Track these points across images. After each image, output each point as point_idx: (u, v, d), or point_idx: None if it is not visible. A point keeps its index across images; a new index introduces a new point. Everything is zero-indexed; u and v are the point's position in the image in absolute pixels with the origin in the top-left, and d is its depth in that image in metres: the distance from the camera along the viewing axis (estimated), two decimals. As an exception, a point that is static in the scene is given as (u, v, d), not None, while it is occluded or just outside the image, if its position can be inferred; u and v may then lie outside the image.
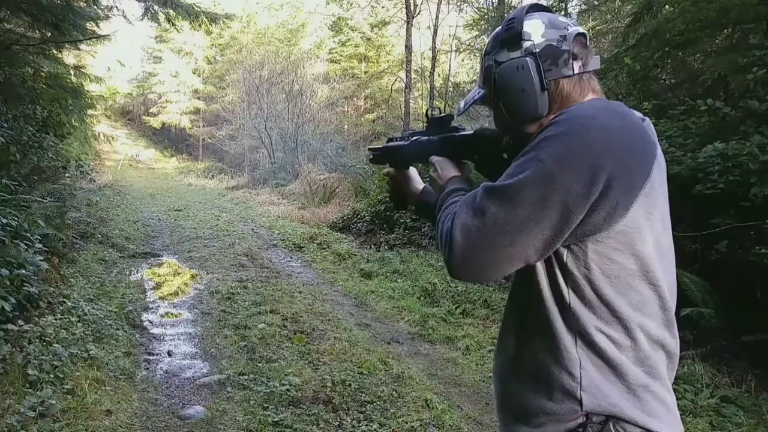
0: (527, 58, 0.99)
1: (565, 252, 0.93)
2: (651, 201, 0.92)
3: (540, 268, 0.96)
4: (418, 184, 1.39)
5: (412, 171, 1.43)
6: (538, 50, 1.00)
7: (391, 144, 1.47)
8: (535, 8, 1.07)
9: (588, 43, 1.04)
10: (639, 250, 0.91)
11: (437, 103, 12.69)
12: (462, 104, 1.16)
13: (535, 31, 1.01)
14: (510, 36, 1.02)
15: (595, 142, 0.87)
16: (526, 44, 1.01)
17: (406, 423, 3.07)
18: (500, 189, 0.91)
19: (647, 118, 1.02)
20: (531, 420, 0.98)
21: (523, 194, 0.88)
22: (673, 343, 0.98)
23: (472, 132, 1.25)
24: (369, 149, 1.59)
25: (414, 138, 1.38)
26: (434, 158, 1.26)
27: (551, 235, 0.89)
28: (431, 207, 1.19)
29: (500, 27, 1.06)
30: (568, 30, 1.01)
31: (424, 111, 1.35)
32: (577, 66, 1.01)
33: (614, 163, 0.87)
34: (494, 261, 0.91)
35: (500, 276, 0.94)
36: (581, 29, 1.02)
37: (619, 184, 0.87)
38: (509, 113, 1.03)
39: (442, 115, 1.33)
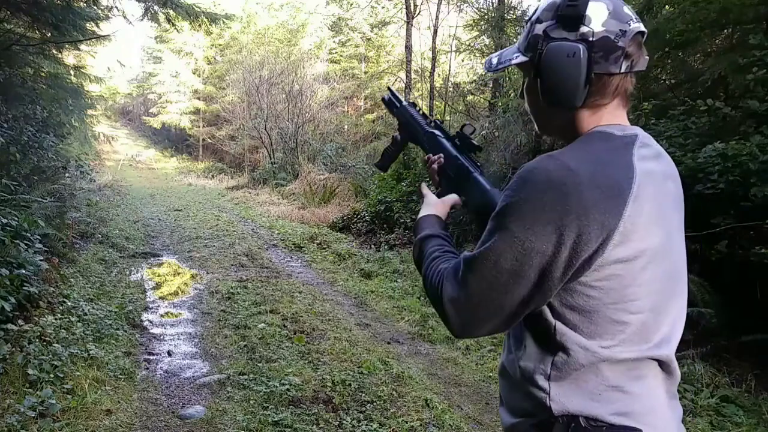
0: (581, 46, 0.94)
1: None
2: (638, 234, 0.88)
3: None
4: (427, 206, 1.32)
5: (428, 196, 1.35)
6: (594, 39, 0.94)
7: (413, 113, 1.50)
8: None
9: (643, 42, 0.99)
10: (621, 283, 0.90)
11: (437, 103, 12.68)
12: (495, 60, 1.10)
13: (598, 16, 0.94)
14: (570, 15, 0.95)
15: (555, 204, 0.86)
16: (584, 30, 0.94)
17: (406, 423, 3.07)
18: (477, 258, 0.94)
19: (639, 133, 0.98)
20: (514, 412, 1.04)
21: (499, 264, 0.90)
22: (663, 353, 0.95)
23: (487, 189, 1.21)
24: (389, 89, 1.62)
25: (433, 133, 1.38)
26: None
27: (533, 291, 0.90)
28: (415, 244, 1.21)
29: None
30: (629, 25, 0.95)
31: (460, 127, 1.32)
32: (625, 65, 0.96)
33: (578, 218, 0.85)
34: (491, 321, 0.95)
35: (509, 326, 0.98)
36: (642, 27, 0.97)
37: (590, 234, 0.86)
38: (544, 93, 0.99)
39: (476, 142, 1.30)
